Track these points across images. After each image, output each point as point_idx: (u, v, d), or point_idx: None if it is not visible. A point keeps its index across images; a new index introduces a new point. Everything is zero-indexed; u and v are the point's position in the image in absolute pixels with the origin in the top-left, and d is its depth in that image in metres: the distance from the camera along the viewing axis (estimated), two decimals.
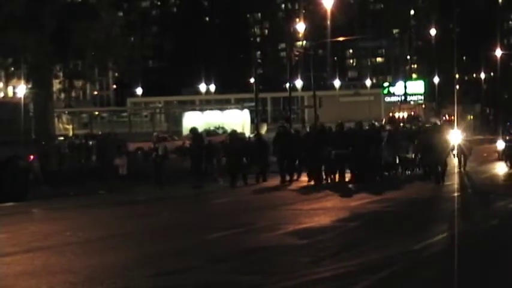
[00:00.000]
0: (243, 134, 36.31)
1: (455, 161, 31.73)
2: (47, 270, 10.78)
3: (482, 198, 20.77)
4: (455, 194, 21.90)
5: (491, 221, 15.55)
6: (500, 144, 38.59)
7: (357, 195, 22.06)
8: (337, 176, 26.75)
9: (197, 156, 27.00)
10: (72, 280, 10.07)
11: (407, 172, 30.13)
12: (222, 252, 12.17)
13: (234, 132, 30.27)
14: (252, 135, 33.23)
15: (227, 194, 24.62)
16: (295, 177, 28.31)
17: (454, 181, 26.84)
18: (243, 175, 27.77)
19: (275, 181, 27.59)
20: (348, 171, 26.88)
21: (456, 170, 30.88)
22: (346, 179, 26.54)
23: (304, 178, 27.96)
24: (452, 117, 76.07)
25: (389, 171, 28.89)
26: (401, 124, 36.96)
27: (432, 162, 26.03)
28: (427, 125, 39.62)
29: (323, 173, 26.81)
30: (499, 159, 37.45)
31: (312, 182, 26.62)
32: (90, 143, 43.58)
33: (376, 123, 30.56)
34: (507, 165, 33.89)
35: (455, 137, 32.01)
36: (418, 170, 29.75)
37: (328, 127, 28.69)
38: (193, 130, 28.50)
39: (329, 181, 26.70)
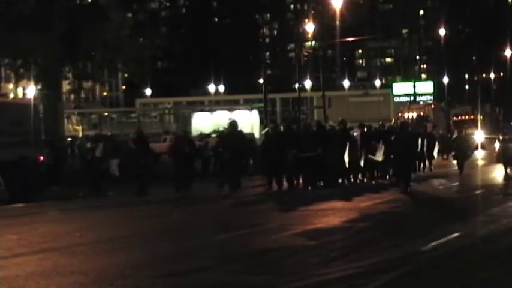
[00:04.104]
0: (251, 134, 35.22)
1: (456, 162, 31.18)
2: (57, 271, 10.80)
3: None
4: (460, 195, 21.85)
5: (502, 221, 15.51)
6: (498, 145, 36.63)
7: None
8: (300, 181, 24.30)
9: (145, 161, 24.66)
10: (82, 281, 10.09)
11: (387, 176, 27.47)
12: (232, 252, 12.16)
13: (183, 132, 26.94)
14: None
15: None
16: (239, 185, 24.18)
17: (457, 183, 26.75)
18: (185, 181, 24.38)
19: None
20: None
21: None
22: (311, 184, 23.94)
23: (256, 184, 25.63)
24: (461, 117, 75.98)
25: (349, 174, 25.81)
26: (381, 122, 33.61)
27: (398, 166, 23.92)
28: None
29: (284, 178, 24.10)
30: (497, 161, 35.43)
31: (275, 189, 23.63)
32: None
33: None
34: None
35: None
36: (389, 174, 27.38)
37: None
38: (138, 132, 26.63)
39: (294, 186, 24.13)
